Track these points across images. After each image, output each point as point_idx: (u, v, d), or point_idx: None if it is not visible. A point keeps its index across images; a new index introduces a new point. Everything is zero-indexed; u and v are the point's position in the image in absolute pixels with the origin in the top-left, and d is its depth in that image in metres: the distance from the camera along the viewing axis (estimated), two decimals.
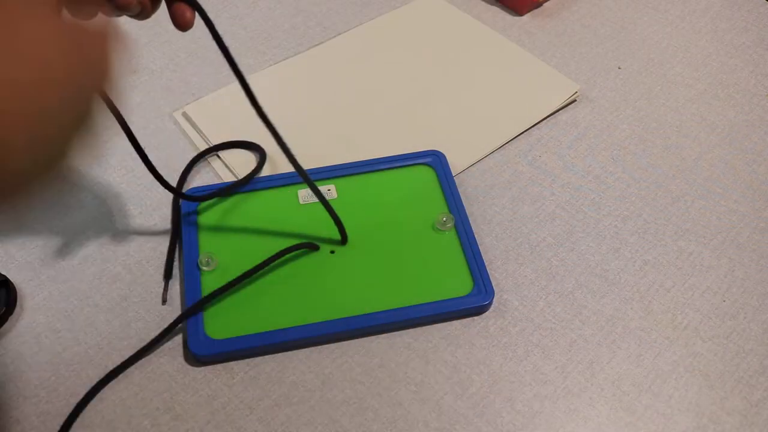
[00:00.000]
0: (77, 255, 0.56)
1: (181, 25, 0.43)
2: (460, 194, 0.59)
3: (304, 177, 0.50)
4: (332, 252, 0.55)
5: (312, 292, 0.53)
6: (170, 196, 0.60)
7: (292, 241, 0.55)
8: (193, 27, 0.44)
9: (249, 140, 0.63)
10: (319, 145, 0.64)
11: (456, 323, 0.52)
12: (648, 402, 0.48)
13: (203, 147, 0.64)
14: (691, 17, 0.77)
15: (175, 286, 0.55)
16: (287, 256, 0.54)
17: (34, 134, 0.25)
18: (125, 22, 0.79)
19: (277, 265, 0.54)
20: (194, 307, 0.51)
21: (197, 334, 0.50)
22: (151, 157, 0.63)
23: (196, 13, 0.43)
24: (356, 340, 0.51)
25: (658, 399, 0.48)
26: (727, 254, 0.56)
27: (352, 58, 0.73)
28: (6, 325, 0.52)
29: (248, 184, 0.59)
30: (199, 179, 0.62)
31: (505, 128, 0.65)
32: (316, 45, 0.74)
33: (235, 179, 0.60)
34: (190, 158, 0.62)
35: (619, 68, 0.72)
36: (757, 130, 0.66)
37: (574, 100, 0.68)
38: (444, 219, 0.56)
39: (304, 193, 0.59)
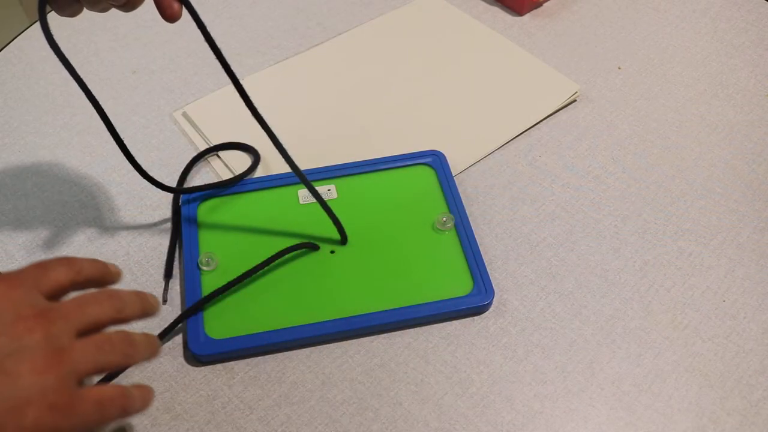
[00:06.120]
0: (77, 255, 0.56)
1: (168, 16, 0.43)
2: (460, 194, 0.59)
3: (301, 177, 0.51)
4: (332, 252, 0.55)
5: (312, 292, 0.53)
6: (170, 196, 0.60)
7: (292, 241, 0.55)
8: (194, 27, 0.44)
9: (248, 140, 0.63)
10: (319, 145, 0.64)
11: (456, 323, 0.52)
12: (648, 402, 0.48)
13: (203, 147, 0.64)
14: (691, 17, 0.77)
15: (175, 286, 0.55)
16: (287, 256, 0.54)
17: None
18: (122, 17, 0.79)
19: (277, 265, 0.54)
20: (194, 307, 0.51)
21: (197, 334, 0.50)
22: (151, 157, 0.64)
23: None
24: (356, 340, 0.51)
25: (658, 399, 0.49)
26: (727, 254, 0.56)
27: (352, 58, 0.73)
28: None
29: (237, 185, 0.59)
30: (199, 179, 0.62)
31: (505, 128, 0.65)
32: (316, 45, 0.74)
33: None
34: (190, 158, 0.62)
35: (619, 68, 0.72)
36: (757, 130, 0.66)
37: (574, 100, 0.68)
38: (444, 219, 0.56)
39: (304, 193, 0.59)
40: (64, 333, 0.34)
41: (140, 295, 0.40)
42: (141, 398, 0.38)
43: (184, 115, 0.67)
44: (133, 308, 0.39)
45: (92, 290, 0.38)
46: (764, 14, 0.78)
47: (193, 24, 0.43)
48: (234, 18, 0.77)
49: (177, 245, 0.57)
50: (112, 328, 0.38)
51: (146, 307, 0.41)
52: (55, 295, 0.37)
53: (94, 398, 0.35)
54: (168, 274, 0.55)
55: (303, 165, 0.51)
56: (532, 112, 0.67)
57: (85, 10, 0.45)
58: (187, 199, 0.58)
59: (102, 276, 0.40)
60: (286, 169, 0.50)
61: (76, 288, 0.38)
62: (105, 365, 0.36)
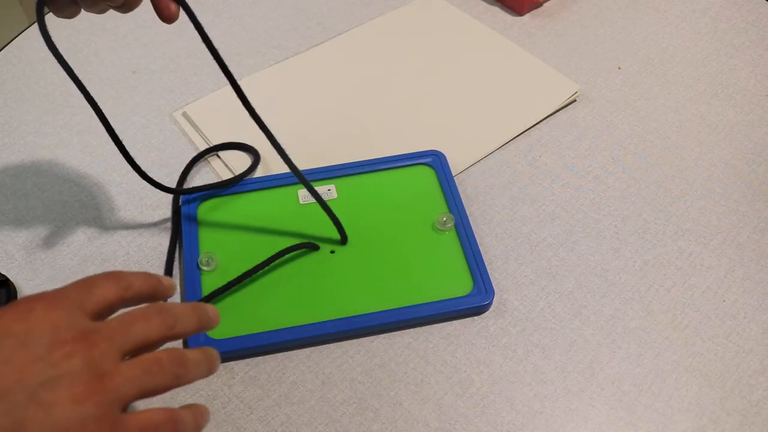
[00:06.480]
0: (77, 255, 0.56)
1: (165, 17, 0.43)
2: (460, 194, 0.59)
3: (301, 179, 0.51)
4: (332, 252, 0.55)
5: (312, 292, 0.53)
6: (170, 196, 0.60)
7: (292, 240, 0.55)
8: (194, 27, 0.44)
9: (248, 140, 0.63)
10: (319, 145, 0.64)
11: (456, 323, 0.52)
12: (648, 402, 0.48)
13: (203, 147, 0.64)
14: (691, 17, 0.77)
15: (175, 286, 0.55)
16: (287, 256, 0.54)
17: None
18: (122, 17, 0.79)
19: (277, 265, 0.54)
20: None
21: (197, 334, 0.50)
22: (151, 157, 0.64)
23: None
24: (356, 340, 0.51)
25: (658, 399, 0.49)
26: (727, 254, 0.56)
27: (352, 58, 0.73)
28: None
29: (237, 185, 0.59)
30: (199, 179, 0.62)
31: (505, 128, 0.65)
32: (316, 45, 0.74)
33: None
34: (190, 158, 0.62)
35: (619, 68, 0.72)
36: (757, 130, 0.66)
37: (574, 100, 0.68)
38: (444, 219, 0.56)
39: (304, 193, 0.59)
40: (107, 356, 0.32)
41: (196, 308, 0.37)
42: (193, 422, 0.35)
43: (184, 115, 0.67)
44: (186, 323, 0.35)
45: (142, 306, 0.35)
46: (764, 14, 0.78)
47: (178, 16, 0.43)
48: (234, 18, 0.77)
49: (177, 245, 0.57)
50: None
51: (203, 321, 0.37)
52: (101, 313, 0.34)
53: (140, 425, 0.32)
54: (168, 274, 0.55)
55: (303, 165, 0.51)
56: (532, 112, 0.67)
57: (83, 11, 0.45)
58: (187, 199, 0.58)
59: (153, 291, 0.37)
60: (286, 169, 0.50)
61: (125, 305, 0.35)
62: (152, 389, 0.33)
